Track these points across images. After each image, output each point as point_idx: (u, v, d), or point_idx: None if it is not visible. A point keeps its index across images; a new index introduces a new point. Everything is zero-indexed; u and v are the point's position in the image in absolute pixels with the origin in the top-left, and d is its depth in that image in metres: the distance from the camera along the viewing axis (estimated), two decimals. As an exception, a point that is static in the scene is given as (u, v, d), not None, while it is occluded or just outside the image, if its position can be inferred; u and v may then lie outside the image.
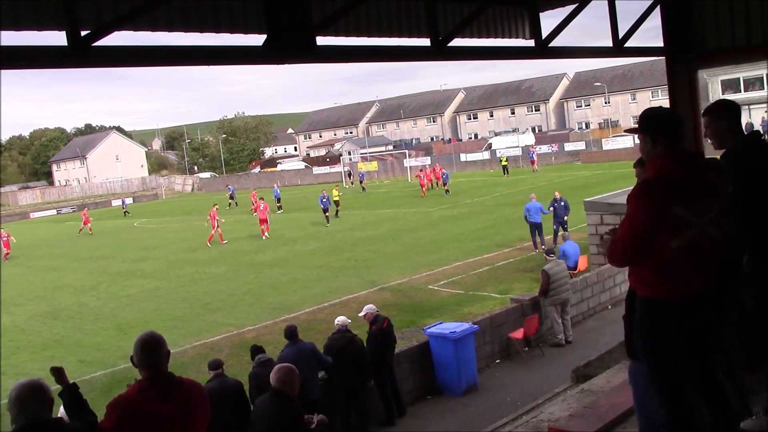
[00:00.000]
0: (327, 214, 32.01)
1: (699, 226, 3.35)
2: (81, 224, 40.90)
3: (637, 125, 3.64)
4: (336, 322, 9.66)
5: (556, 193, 20.81)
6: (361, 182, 51.24)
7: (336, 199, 34.44)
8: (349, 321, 9.84)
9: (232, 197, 49.12)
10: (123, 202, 59.22)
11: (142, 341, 3.54)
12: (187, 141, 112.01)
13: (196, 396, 3.64)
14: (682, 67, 8.08)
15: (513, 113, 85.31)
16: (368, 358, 9.57)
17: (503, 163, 50.68)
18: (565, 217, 20.16)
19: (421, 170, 46.28)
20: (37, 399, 3.27)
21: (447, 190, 39.96)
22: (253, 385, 8.24)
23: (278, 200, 41.31)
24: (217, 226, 29.70)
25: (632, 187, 3.52)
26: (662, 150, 3.44)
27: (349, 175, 59.64)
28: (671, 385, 3.58)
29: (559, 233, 18.77)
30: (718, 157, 4.26)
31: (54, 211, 67.56)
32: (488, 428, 8.93)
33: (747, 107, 47.12)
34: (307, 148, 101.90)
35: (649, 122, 3.53)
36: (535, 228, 19.99)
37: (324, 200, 31.96)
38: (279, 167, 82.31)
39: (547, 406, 7.75)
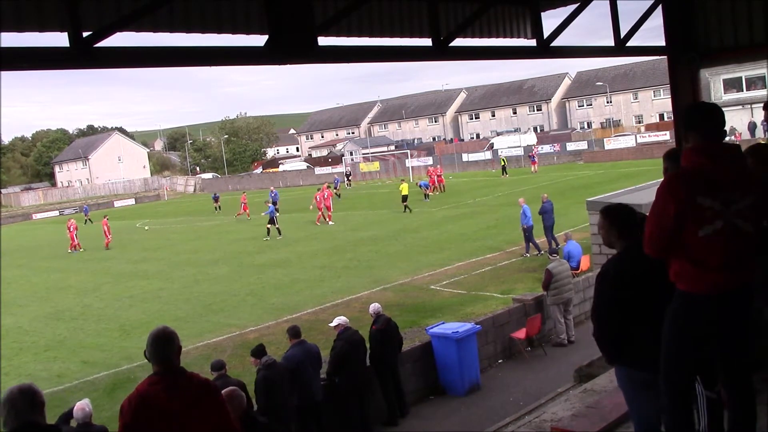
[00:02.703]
0: (270, 225, 29.75)
1: (726, 217, 3.40)
2: (240, 210, 40.30)
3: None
4: (340, 320, 9.62)
5: (544, 195, 20.94)
6: (336, 187, 46.28)
7: (405, 193, 33.81)
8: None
9: (216, 200, 48.59)
10: (85, 210, 54.39)
11: (153, 335, 3.64)
12: (190, 142, 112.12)
13: (207, 393, 3.70)
14: (684, 66, 8.08)
15: (515, 113, 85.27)
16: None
17: (502, 163, 50.79)
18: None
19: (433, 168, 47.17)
20: (28, 402, 3.31)
21: (426, 195, 39.09)
22: (261, 389, 8.17)
23: (275, 203, 40.89)
24: (324, 206, 32.51)
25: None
26: (693, 143, 3.55)
27: (348, 176, 58.47)
28: (679, 377, 3.62)
29: (562, 233, 18.77)
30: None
31: (56, 212, 67.64)
32: (491, 428, 8.93)
33: (749, 106, 47.06)
34: (309, 148, 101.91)
35: (685, 117, 3.70)
36: (530, 231, 19.98)
37: (272, 211, 30.16)
38: (281, 168, 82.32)
39: (550, 406, 7.75)
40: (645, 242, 3.63)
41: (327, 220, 32.99)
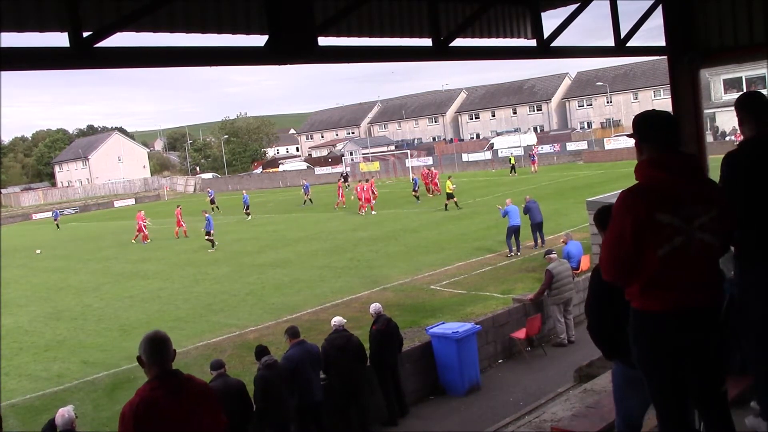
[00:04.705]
0: (208, 237, 28.74)
1: (687, 233, 3.24)
2: (339, 199, 39.63)
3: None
4: (333, 322, 9.70)
5: (526, 197, 21.12)
6: (306, 193, 44.19)
7: (449, 191, 32.65)
8: (344, 321, 9.86)
9: (212, 201, 48.17)
10: (56, 214, 52.57)
11: (150, 339, 3.59)
12: (189, 142, 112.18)
13: (207, 396, 3.70)
14: (684, 66, 8.07)
15: (515, 113, 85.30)
16: (365, 356, 9.62)
17: (511, 162, 50.81)
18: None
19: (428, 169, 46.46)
20: None
21: (417, 197, 38.52)
22: (260, 388, 8.20)
23: (247, 207, 39.71)
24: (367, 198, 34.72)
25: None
26: (648, 156, 3.36)
27: (345, 178, 56.39)
28: (663, 396, 3.50)
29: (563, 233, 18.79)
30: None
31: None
32: (491, 428, 8.93)
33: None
34: (309, 148, 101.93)
35: (635, 127, 3.46)
36: (513, 231, 20.08)
37: (209, 222, 28.91)
38: (281, 168, 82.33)
39: (550, 406, 7.75)
40: (602, 266, 3.43)
41: (360, 210, 34.82)
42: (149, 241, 33.82)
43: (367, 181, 37.53)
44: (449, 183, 33.44)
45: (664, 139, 3.34)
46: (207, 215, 29.78)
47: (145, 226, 34.02)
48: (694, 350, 3.37)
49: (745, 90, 49.55)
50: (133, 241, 33.97)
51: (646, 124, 3.41)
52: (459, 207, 32.26)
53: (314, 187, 50.86)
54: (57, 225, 49.16)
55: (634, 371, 4.02)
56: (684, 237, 3.22)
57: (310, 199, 43.91)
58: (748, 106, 4.06)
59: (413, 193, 38.89)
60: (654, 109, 3.63)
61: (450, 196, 32.70)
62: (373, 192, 36.61)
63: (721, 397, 3.57)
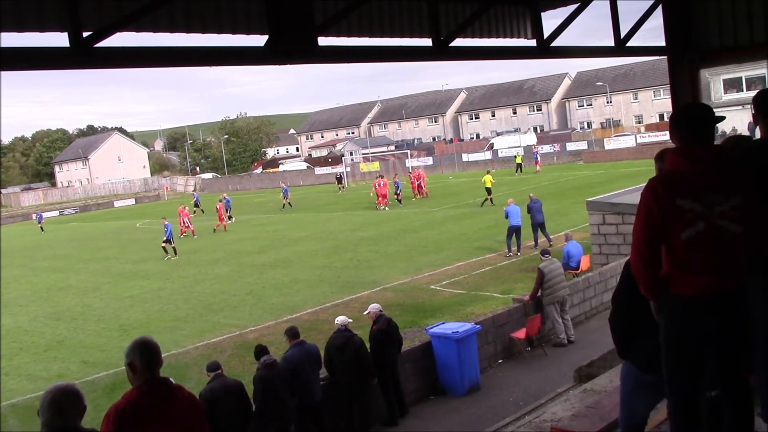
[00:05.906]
0: (165, 245, 27.67)
1: (709, 219, 3.38)
2: (417, 193, 39.89)
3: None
4: (336, 321, 9.70)
5: (530, 195, 21.21)
6: (285, 197, 43.05)
7: (488, 186, 32.08)
8: (350, 320, 9.84)
9: (197, 204, 47.65)
10: (39, 217, 51.74)
11: (143, 344, 3.55)
12: (189, 142, 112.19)
13: (193, 405, 3.67)
14: (684, 66, 8.08)
15: (515, 113, 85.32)
16: (368, 356, 9.58)
17: (517, 161, 50.76)
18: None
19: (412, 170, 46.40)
20: (73, 405, 3.23)
21: (399, 200, 37.87)
22: (259, 388, 8.20)
23: (228, 209, 38.63)
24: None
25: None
26: (676, 146, 3.56)
27: (340, 180, 55.94)
28: (680, 381, 3.58)
29: (563, 233, 18.79)
30: None
31: (57, 212, 67.60)
32: (491, 428, 8.93)
33: (750, 106, 47.00)
34: (309, 148, 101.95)
35: (671, 119, 3.70)
36: (514, 231, 20.13)
37: (168, 230, 27.68)
38: (281, 168, 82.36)
39: (550, 406, 7.74)
40: (633, 252, 3.58)
41: (382, 206, 36.31)
42: (194, 234, 33.68)
43: (381, 177, 38.78)
44: (489, 178, 32.76)
45: (693, 130, 3.53)
46: (166, 223, 28.28)
47: (189, 219, 33.80)
48: (719, 335, 3.49)
49: (745, 90, 49.65)
50: (181, 236, 33.02)
51: (679, 117, 3.66)
52: (489, 203, 31.71)
53: (314, 188, 50.83)
54: (41, 228, 48.24)
55: (644, 375, 4.04)
56: (706, 222, 3.38)
57: (289, 203, 42.70)
58: (757, 105, 4.13)
59: (395, 196, 37.97)
60: (693, 103, 3.78)
61: (489, 191, 32.31)
62: (397, 190, 37.71)
63: (744, 385, 3.64)
